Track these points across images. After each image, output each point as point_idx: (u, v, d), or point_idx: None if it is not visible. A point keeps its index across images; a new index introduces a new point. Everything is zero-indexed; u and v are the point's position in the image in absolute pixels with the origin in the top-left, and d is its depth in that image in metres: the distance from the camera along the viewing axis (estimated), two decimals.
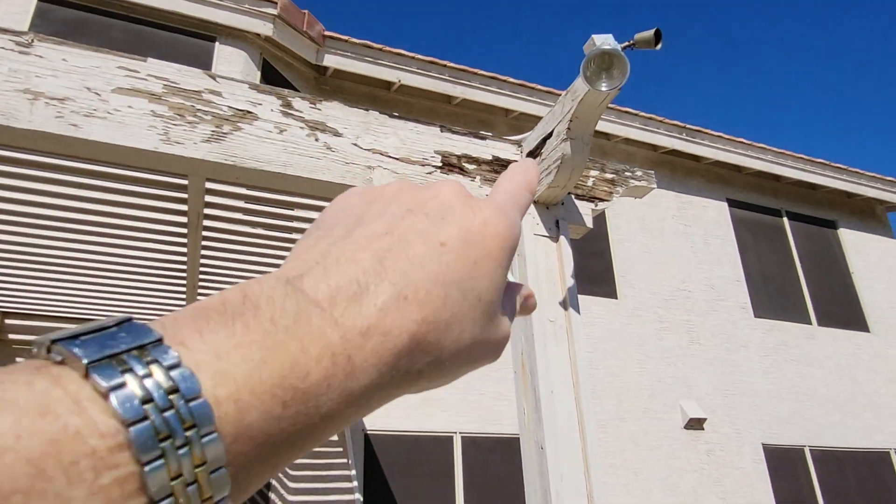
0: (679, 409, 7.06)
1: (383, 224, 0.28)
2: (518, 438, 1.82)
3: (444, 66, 7.05)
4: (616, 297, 7.38)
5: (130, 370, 0.19)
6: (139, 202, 2.36)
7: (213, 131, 1.62)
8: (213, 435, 0.20)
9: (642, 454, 6.67)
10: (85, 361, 0.19)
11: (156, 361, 0.20)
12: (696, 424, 7.00)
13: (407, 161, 1.84)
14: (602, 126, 7.50)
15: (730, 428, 7.23)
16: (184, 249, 2.75)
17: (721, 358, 7.62)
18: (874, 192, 9.45)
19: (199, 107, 1.63)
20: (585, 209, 2.02)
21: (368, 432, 5.81)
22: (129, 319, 0.21)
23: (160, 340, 0.21)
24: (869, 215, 9.85)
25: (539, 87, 7.46)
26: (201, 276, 3.04)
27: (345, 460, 4.84)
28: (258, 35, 6.06)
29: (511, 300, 0.32)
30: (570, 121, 1.73)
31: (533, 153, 1.96)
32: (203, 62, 5.78)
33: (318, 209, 2.38)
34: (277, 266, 2.92)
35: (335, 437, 4.82)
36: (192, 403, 0.20)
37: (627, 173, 2.12)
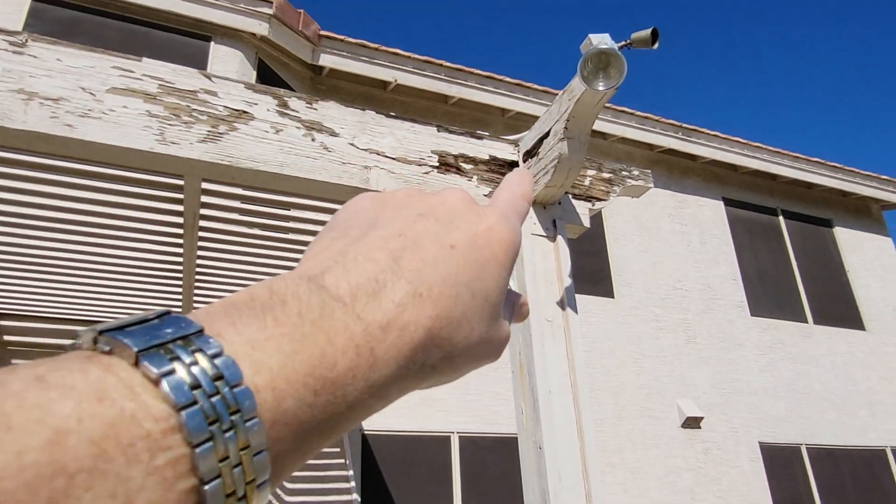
0: (676, 408, 7.08)
1: (397, 226, 0.30)
2: (516, 438, 1.82)
3: (441, 65, 7.04)
4: (613, 297, 7.39)
5: (178, 358, 0.21)
6: (134, 203, 2.35)
7: (208, 131, 1.61)
8: (256, 420, 0.21)
9: (639, 453, 6.68)
10: (135, 350, 0.20)
11: (200, 350, 0.21)
12: (692, 423, 7.02)
13: (404, 161, 1.83)
14: (599, 125, 7.50)
15: (726, 426, 7.25)
16: (180, 250, 2.74)
17: (718, 357, 7.63)
18: (869, 190, 9.48)
19: (195, 107, 1.62)
20: (583, 209, 2.01)
21: (366, 432, 5.80)
22: (168, 312, 0.22)
23: (202, 331, 0.22)
24: (864, 214, 9.89)
25: (536, 86, 7.46)
26: (197, 277, 3.03)
27: (342, 460, 4.83)
28: (254, 35, 6.04)
29: (510, 305, 0.34)
30: (567, 120, 1.73)
31: (530, 153, 1.95)
32: (199, 62, 5.76)
33: (315, 209, 2.37)
34: (275, 266, 2.91)
35: None
36: (235, 390, 0.21)
37: (624, 172, 2.12)
